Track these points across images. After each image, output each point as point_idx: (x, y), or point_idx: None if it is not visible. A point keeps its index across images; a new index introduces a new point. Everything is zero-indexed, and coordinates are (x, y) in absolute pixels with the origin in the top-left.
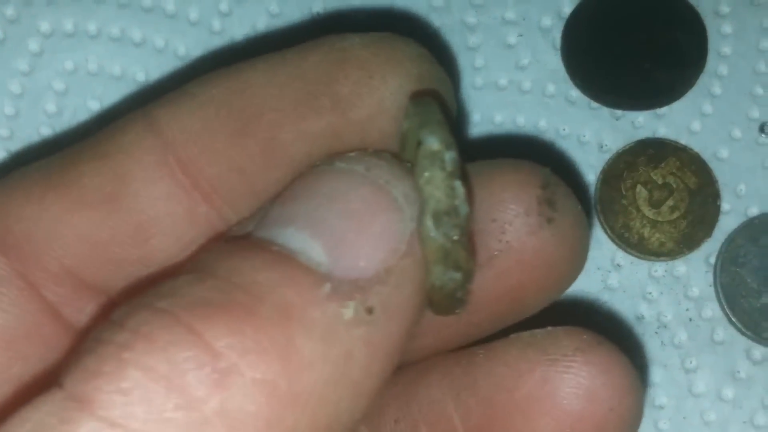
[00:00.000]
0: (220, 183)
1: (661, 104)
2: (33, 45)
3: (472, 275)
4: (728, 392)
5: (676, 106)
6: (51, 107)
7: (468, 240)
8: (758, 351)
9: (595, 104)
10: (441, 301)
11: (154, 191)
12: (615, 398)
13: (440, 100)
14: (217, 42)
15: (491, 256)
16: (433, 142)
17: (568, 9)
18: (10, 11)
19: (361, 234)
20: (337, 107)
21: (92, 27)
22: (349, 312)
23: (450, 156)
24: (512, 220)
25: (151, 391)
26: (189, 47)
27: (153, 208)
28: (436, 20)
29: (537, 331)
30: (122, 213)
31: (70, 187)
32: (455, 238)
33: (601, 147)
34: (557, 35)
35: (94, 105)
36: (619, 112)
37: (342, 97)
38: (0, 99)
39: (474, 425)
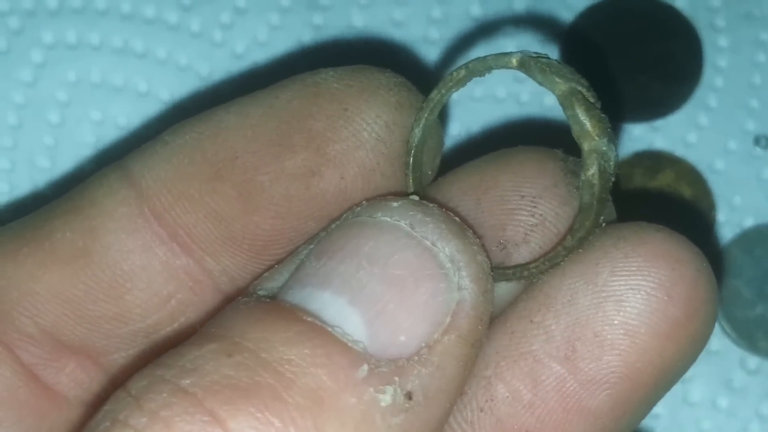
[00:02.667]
0: (197, 231)
1: (657, 116)
2: (36, 56)
3: (617, 157)
4: (723, 401)
5: (672, 118)
6: (54, 117)
7: None
8: (752, 361)
9: None
10: (600, 191)
11: (128, 244)
12: (698, 261)
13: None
14: (218, 53)
15: (527, 231)
16: (529, 52)
17: (566, 23)
18: (13, 22)
19: (403, 304)
20: (312, 143)
21: (95, 38)
22: (386, 398)
23: (548, 56)
24: (541, 194)
25: None
26: (191, 58)
27: (127, 261)
28: (435, 33)
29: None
30: (95, 268)
31: (42, 242)
32: (600, 108)
33: None
34: (555, 48)
35: (96, 115)
36: (616, 124)
37: (317, 133)
38: (3, 109)
39: (562, 343)
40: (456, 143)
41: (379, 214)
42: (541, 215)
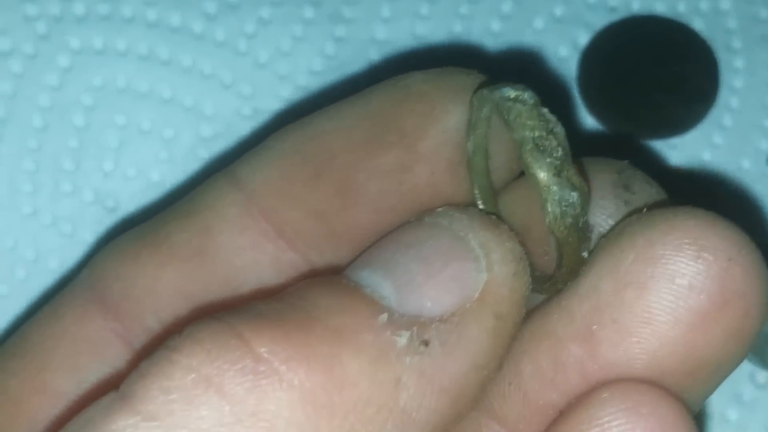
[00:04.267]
0: (301, 228)
1: (673, 135)
2: (63, 61)
3: (588, 198)
4: (732, 414)
5: (688, 136)
6: (79, 121)
7: (573, 163)
8: (762, 375)
9: (609, 133)
10: (566, 234)
11: (239, 242)
12: (733, 249)
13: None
14: (242, 62)
15: None
16: (509, 91)
17: (584, 40)
18: (41, 27)
19: (431, 278)
20: (404, 141)
21: (121, 45)
22: (402, 340)
23: (530, 93)
24: None
25: (190, 390)
26: (215, 66)
27: (239, 258)
28: (456, 47)
29: (630, 217)
30: (210, 265)
31: (161, 244)
32: (560, 154)
33: None
34: (573, 65)
35: (120, 120)
36: (631, 140)
37: (407, 131)
38: (29, 112)
39: (582, 326)
40: None
41: (424, 217)
42: None
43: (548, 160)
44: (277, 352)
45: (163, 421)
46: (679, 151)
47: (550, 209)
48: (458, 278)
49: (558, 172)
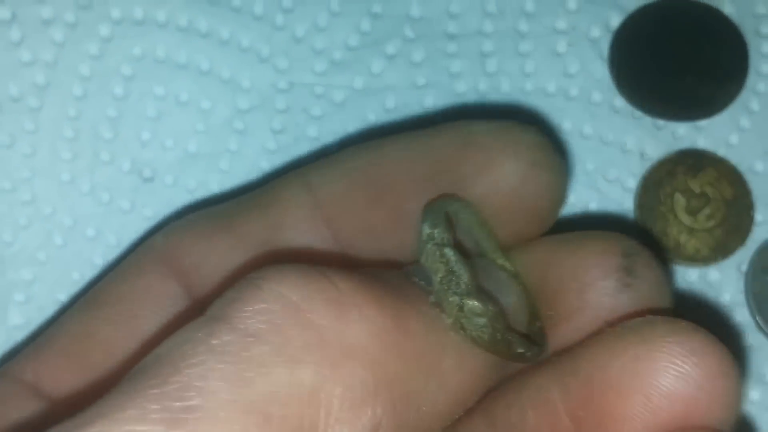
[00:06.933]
0: (355, 241)
1: (701, 117)
2: (104, 30)
3: (498, 317)
4: (755, 395)
5: (716, 119)
6: (118, 90)
7: (479, 293)
8: None
9: (638, 113)
10: (491, 344)
11: (302, 240)
12: (705, 379)
13: (449, 202)
14: (279, 36)
15: (572, 311)
16: (425, 228)
17: (616, 21)
18: None
19: None
20: (455, 185)
21: (161, 16)
22: (448, 320)
23: (439, 231)
24: (592, 283)
25: (281, 313)
26: (252, 40)
27: (303, 255)
28: (489, 26)
29: (636, 320)
30: (276, 256)
31: (233, 231)
32: (462, 289)
33: (643, 155)
34: (605, 46)
35: (159, 90)
36: (661, 122)
37: (460, 176)
38: (69, 80)
39: (573, 406)
40: None
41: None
42: (585, 301)
43: (451, 298)
44: (359, 290)
45: (260, 338)
46: (707, 133)
47: (468, 334)
48: None
49: (461, 307)
